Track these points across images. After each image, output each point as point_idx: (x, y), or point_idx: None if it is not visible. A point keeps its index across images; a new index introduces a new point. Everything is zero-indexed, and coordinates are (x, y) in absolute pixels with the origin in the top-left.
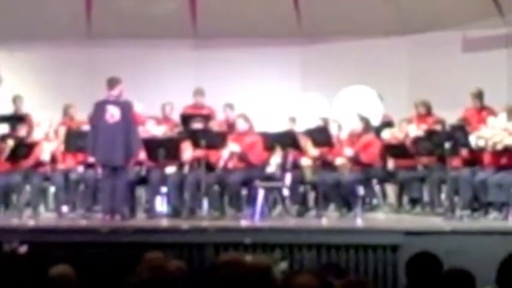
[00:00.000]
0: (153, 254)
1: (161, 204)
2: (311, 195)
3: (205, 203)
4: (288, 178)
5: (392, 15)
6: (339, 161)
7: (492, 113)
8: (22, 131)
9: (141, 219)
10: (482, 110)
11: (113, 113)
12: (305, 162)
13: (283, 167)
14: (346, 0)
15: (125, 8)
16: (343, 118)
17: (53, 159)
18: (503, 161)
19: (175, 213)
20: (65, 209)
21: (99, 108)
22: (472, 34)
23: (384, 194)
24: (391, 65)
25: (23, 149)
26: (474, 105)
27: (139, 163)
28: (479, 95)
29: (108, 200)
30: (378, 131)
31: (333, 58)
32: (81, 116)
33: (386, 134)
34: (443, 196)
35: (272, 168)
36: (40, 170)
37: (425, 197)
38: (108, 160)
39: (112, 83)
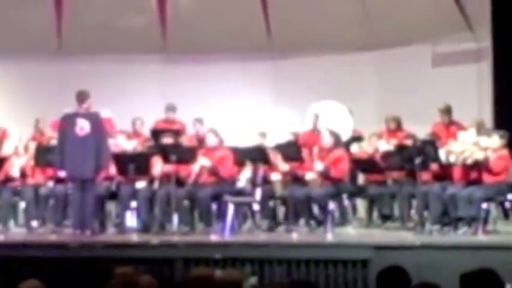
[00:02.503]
0: (123, 269)
1: (131, 219)
2: (281, 210)
3: (175, 218)
4: (258, 193)
5: (362, 30)
6: (309, 175)
7: (461, 127)
8: None
9: (111, 234)
10: (451, 125)
11: (83, 126)
12: (275, 177)
13: (253, 182)
14: (316, 15)
15: (95, 23)
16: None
17: (23, 174)
18: (473, 175)
19: (145, 228)
20: (34, 223)
21: (68, 121)
22: (441, 49)
23: (354, 209)
24: (361, 79)
25: None
26: (442, 121)
27: (110, 178)
28: (447, 111)
29: (78, 214)
30: (347, 145)
31: (303, 73)
32: (52, 131)
33: (355, 148)
34: (413, 211)
35: (242, 183)
36: (10, 185)
37: (396, 212)
38: (77, 173)
39: (81, 96)
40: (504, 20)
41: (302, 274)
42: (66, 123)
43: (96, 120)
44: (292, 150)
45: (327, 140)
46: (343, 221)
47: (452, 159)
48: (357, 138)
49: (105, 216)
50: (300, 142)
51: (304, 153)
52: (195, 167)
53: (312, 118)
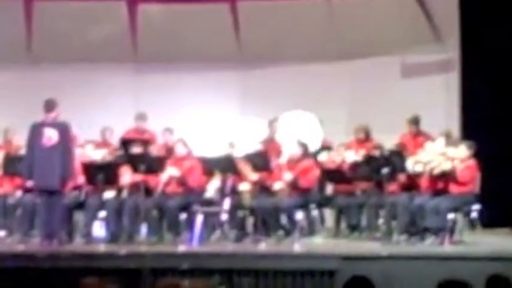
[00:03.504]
0: (90, 279)
1: (99, 229)
2: (249, 220)
3: (143, 228)
4: (227, 203)
5: (332, 40)
6: (277, 185)
7: (428, 138)
8: None
9: (78, 244)
10: (418, 135)
11: (51, 136)
12: (244, 187)
13: (221, 192)
14: (286, 25)
15: (65, 32)
16: (283, 143)
17: None
18: (440, 186)
19: (113, 238)
20: (1, 233)
21: (36, 131)
22: (410, 60)
23: (322, 219)
24: (331, 90)
25: None
26: (410, 131)
27: (78, 187)
28: (415, 121)
29: (45, 224)
30: (316, 156)
31: (273, 83)
32: (20, 141)
33: (324, 156)
34: (381, 221)
35: (211, 193)
36: None
37: (363, 222)
38: (45, 184)
39: (49, 105)
40: (472, 31)
41: (270, 284)
42: (34, 133)
43: (64, 130)
44: (260, 160)
45: (295, 150)
46: (311, 231)
47: (418, 168)
48: (326, 149)
49: (73, 226)
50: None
51: (273, 163)
52: (163, 177)
53: (269, 126)
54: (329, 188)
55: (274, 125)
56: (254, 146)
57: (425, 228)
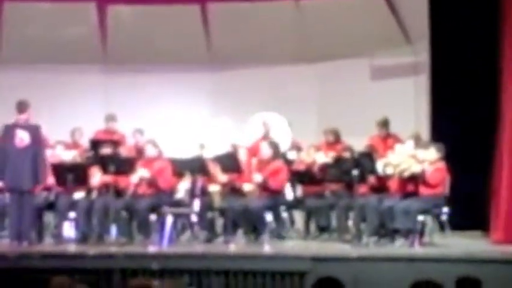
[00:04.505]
0: (59, 279)
1: (69, 230)
2: (219, 222)
3: (113, 229)
4: (197, 204)
5: (301, 42)
6: (247, 187)
7: (398, 140)
8: None
9: (48, 245)
10: (388, 137)
11: (23, 137)
12: (213, 188)
13: (191, 193)
14: (256, 27)
15: (34, 33)
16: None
17: None
18: (410, 188)
19: (83, 238)
20: None
21: (8, 131)
22: (380, 62)
23: (292, 221)
24: (300, 92)
25: None
26: (379, 133)
27: (48, 188)
28: (384, 123)
29: (15, 225)
30: (286, 157)
31: (243, 85)
32: None
33: (293, 155)
34: (350, 223)
35: (181, 194)
36: None
37: (333, 224)
38: (16, 185)
39: (21, 106)
40: (442, 34)
41: (240, 285)
42: (6, 134)
43: (35, 132)
44: (230, 162)
45: (265, 151)
46: (280, 232)
47: (389, 171)
48: (296, 149)
49: (43, 227)
50: (250, 153)
51: (247, 164)
52: (134, 178)
53: (261, 126)
54: (299, 190)
55: (267, 123)
56: (225, 147)
57: (395, 230)
